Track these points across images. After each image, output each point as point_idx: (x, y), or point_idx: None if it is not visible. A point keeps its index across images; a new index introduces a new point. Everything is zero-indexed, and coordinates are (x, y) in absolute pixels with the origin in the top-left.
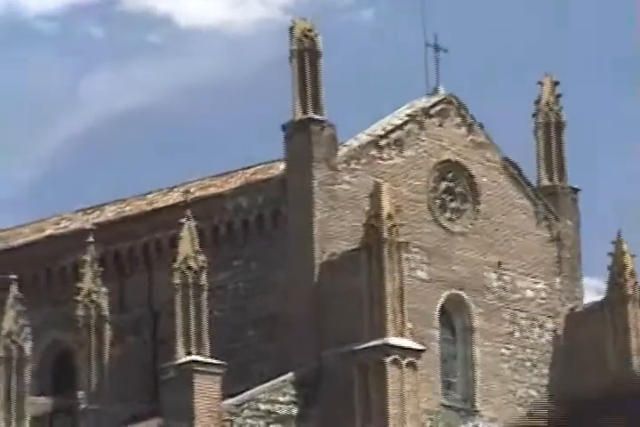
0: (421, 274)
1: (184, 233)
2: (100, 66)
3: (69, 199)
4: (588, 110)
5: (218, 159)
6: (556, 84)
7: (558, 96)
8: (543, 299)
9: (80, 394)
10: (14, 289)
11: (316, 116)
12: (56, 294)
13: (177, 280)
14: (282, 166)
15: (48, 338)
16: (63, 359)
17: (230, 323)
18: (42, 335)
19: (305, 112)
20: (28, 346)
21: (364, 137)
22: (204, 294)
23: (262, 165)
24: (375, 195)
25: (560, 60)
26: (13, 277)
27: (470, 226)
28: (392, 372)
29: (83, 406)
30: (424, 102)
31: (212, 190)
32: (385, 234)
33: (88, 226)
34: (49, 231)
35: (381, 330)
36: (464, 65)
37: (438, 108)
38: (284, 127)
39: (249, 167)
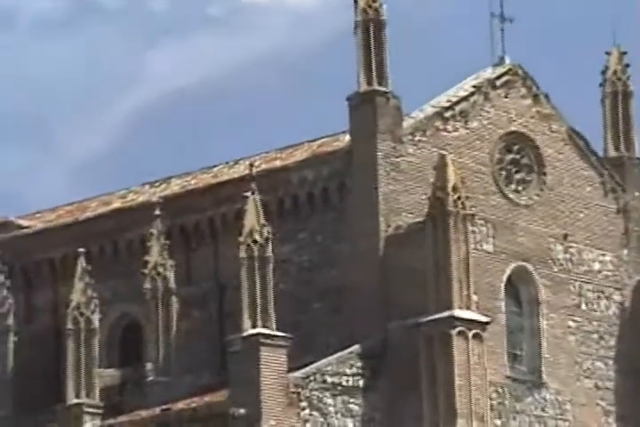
0: (487, 246)
1: (249, 206)
2: (163, 40)
3: (136, 173)
4: None
5: (283, 132)
6: (623, 53)
7: (626, 66)
8: (610, 271)
9: (148, 366)
10: (82, 262)
11: (381, 88)
12: (123, 266)
13: (242, 254)
14: (347, 138)
15: (116, 311)
16: (131, 332)
17: (296, 295)
18: (110, 308)
19: (370, 84)
20: (96, 318)
21: (429, 109)
22: (270, 267)
23: (327, 138)
24: (440, 167)
25: (628, 30)
26: (81, 250)
27: (536, 198)
28: (458, 344)
29: (151, 378)
30: (489, 73)
31: (278, 163)
32: (450, 206)
33: (154, 199)
34: (116, 205)
35: (447, 302)
36: (530, 35)
37: (504, 79)
38: (349, 99)
39: (314, 140)
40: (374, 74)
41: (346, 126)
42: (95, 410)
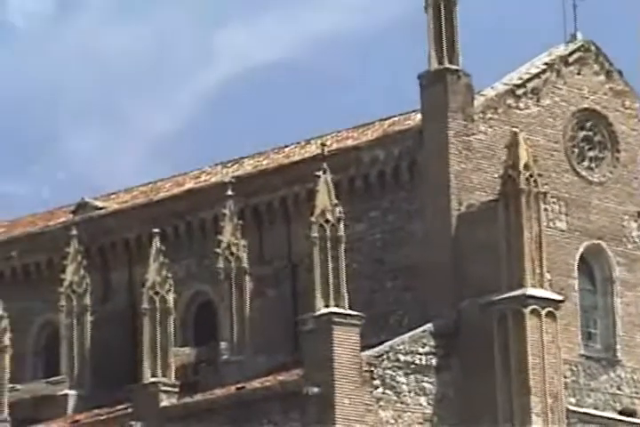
0: (560, 224)
1: (321, 186)
2: (233, 20)
3: (209, 153)
4: None
5: (354, 111)
6: None
7: None
8: None
9: (222, 345)
10: (157, 242)
11: (452, 66)
12: (197, 246)
13: (314, 233)
14: (418, 117)
15: (190, 290)
16: (205, 311)
17: (368, 274)
18: (184, 287)
19: (441, 62)
20: (171, 298)
21: (500, 86)
22: (342, 247)
23: (399, 117)
24: (512, 145)
25: None
26: (156, 230)
27: (609, 175)
28: (531, 322)
29: (225, 356)
30: (562, 50)
31: (349, 142)
32: (522, 184)
33: (227, 179)
34: (189, 185)
35: (520, 280)
36: (603, 11)
37: (576, 55)
38: (420, 77)
39: (385, 119)
40: (445, 52)
41: (417, 105)
42: (171, 389)
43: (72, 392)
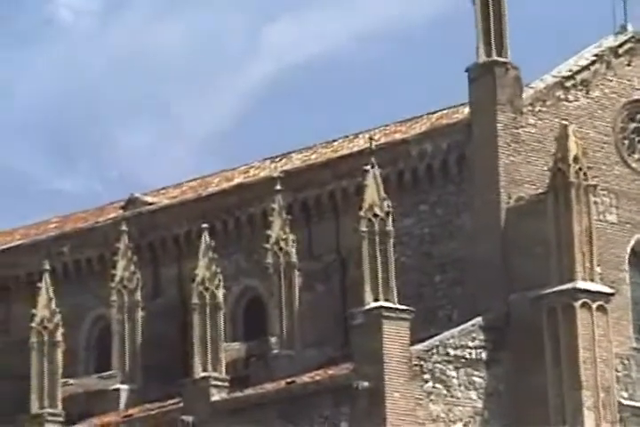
0: (610, 217)
1: (369, 180)
2: (280, 15)
3: (257, 148)
4: None
5: (402, 105)
6: None
7: None
8: None
9: (272, 340)
10: (206, 237)
11: (501, 59)
12: (246, 241)
13: (363, 227)
14: (467, 110)
15: (240, 285)
16: (255, 306)
17: (417, 268)
18: (233, 283)
19: (489, 55)
20: (220, 293)
21: (549, 78)
22: (391, 241)
23: (447, 110)
24: (561, 137)
25: None
26: (205, 225)
27: None
28: (582, 316)
29: (275, 351)
30: (611, 41)
31: (397, 136)
32: (572, 177)
33: (276, 174)
34: (238, 180)
35: (570, 274)
36: None
37: (626, 46)
38: (468, 70)
39: (434, 112)
40: (493, 44)
41: (465, 98)
42: (221, 383)
43: (124, 387)
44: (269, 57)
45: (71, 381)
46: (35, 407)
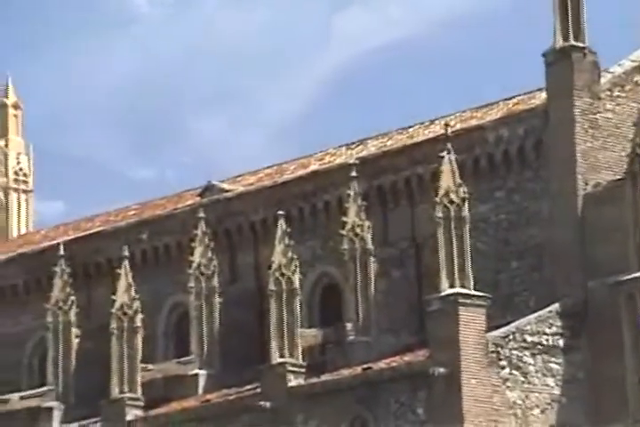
0: None
1: (445, 166)
2: (352, 2)
3: (332, 135)
4: None
5: (479, 90)
6: None
7: None
8: None
9: (348, 326)
10: (282, 224)
11: (578, 44)
12: (321, 228)
13: (439, 214)
14: (543, 96)
15: (316, 271)
16: (331, 292)
17: (494, 255)
18: (310, 269)
19: (566, 39)
20: (297, 279)
21: (627, 63)
22: (467, 227)
23: (524, 95)
24: None
25: None
26: (281, 212)
27: None
28: None
29: (351, 337)
30: None
31: (473, 122)
32: None
33: (351, 161)
34: (314, 167)
35: None
36: None
37: None
38: (544, 55)
39: (510, 98)
40: (571, 29)
41: (542, 83)
42: (298, 369)
43: (202, 372)
44: (344, 43)
45: (150, 366)
46: (115, 392)
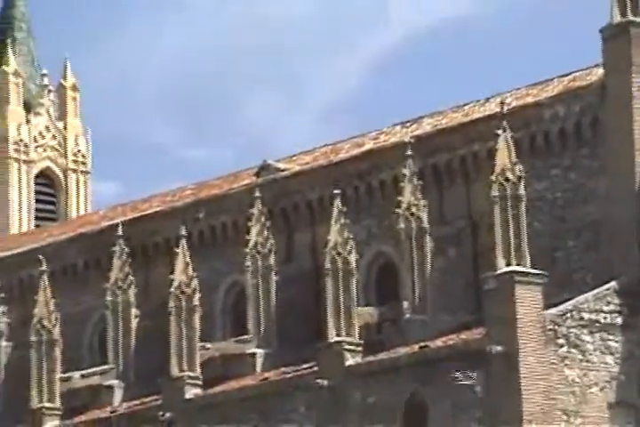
0: None
1: (500, 144)
2: None
3: (387, 113)
4: None
5: (534, 67)
6: None
7: None
8: None
9: (404, 305)
10: (338, 203)
11: (636, 19)
12: (377, 207)
13: (495, 192)
14: (600, 72)
15: (372, 250)
16: (387, 271)
17: (550, 233)
18: (365, 248)
19: (624, 14)
20: (353, 258)
21: None
22: (523, 205)
23: (580, 72)
24: None
25: None
26: (336, 191)
27: None
28: None
29: (408, 316)
30: None
31: (529, 100)
32: None
33: (406, 139)
34: (368, 146)
35: None
36: None
37: None
38: (602, 31)
39: (566, 74)
40: (629, 4)
41: (599, 59)
42: (355, 348)
43: (260, 351)
44: (399, 21)
45: (208, 345)
46: (174, 371)
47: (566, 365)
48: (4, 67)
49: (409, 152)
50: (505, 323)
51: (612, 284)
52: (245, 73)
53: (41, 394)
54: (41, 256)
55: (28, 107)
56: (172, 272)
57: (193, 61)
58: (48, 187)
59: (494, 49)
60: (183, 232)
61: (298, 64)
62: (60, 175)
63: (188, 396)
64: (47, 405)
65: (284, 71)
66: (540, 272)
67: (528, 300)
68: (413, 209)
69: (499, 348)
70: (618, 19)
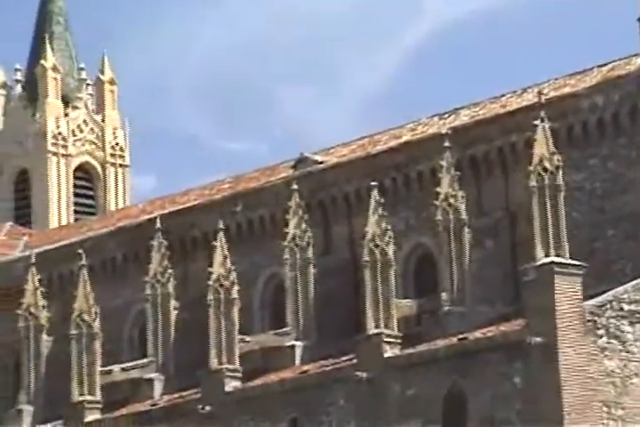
0: None
1: (538, 135)
2: None
3: (424, 105)
4: None
5: (572, 57)
6: None
7: None
8: None
9: (443, 296)
10: (375, 195)
11: None
12: (415, 199)
13: (533, 182)
14: (639, 61)
15: (410, 242)
16: (425, 263)
17: (589, 223)
18: (404, 240)
19: None
20: (391, 250)
21: None
22: (561, 196)
23: (618, 61)
24: None
25: None
26: (374, 183)
27: None
28: None
29: (446, 308)
30: None
31: (567, 90)
32: None
33: (444, 131)
34: (406, 137)
35: None
36: None
37: None
38: (639, 20)
39: (604, 64)
40: None
41: (638, 49)
42: (394, 340)
43: (299, 343)
44: (436, 12)
45: (248, 338)
46: (214, 364)
47: (606, 356)
48: (42, 62)
49: (446, 144)
50: (544, 314)
51: None
52: (282, 66)
53: (81, 387)
54: (80, 250)
55: (66, 101)
56: (210, 265)
57: (229, 55)
58: (87, 181)
59: (531, 39)
60: (221, 225)
61: (335, 57)
62: (99, 169)
63: (227, 389)
64: (88, 398)
65: (320, 64)
66: (580, 263)
67: (567, 291)
68: (451, 200)
69: (538, 339)
70: None
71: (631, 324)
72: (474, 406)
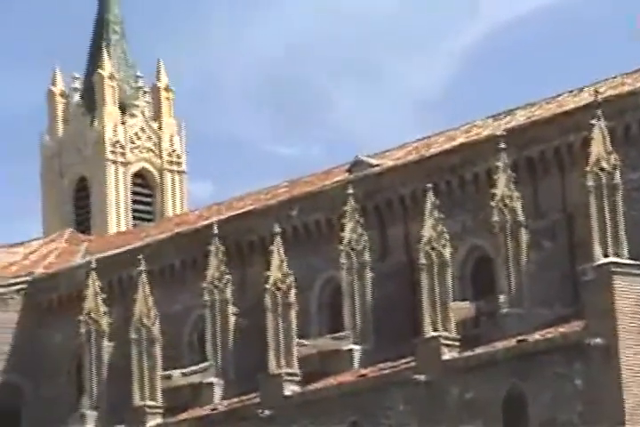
0: None
1: (595, 134)
2: None
3: (479, 106)
4: None
5: (629, 56)
6: None
7: None
8: None
9: (501, 298)
10: (431, 197)
11: None
12: (471, 201)
13: (590, 182)
14: None
15: (466, 244)
16: (482, 265)
17: None
18: (460, 242)
19: None
20: (447, 252)
21: None
22: (619, 195)
23: None
24: None
25: None
26: (429, 185)
27: None
28: None
29: (504, 309)
30: None
31: (624, 88)
32: None
33: (499, 132)
34: (461, 139)
35: None
36: None
37: None
38: None
39: None
40: None
41: None
42: (452, 342)
43: (356, 347)
44: (492, 12)
45: (305, 341)
46: (272, 367)
47: None
48: (99, 70)
49: (502, 145)
50: (604, 315)
51: None
52: (335, 69)
53: (142, 392)
54: (140, 256)
55: (123, 108)
56: (267, 269)
57: (280, 58)
58: (144, 187)
59: (586, 38)
60: (277, 230)
61: (389, 59)
62: (156, 175)
63: (286, 393)
64: (149, 403)
65: (374, 66)
66: (638, 263)
67: (627, 291)
68: (507, 201)
69: (598, 340)
70: None
71: None
72: (534, 408)
